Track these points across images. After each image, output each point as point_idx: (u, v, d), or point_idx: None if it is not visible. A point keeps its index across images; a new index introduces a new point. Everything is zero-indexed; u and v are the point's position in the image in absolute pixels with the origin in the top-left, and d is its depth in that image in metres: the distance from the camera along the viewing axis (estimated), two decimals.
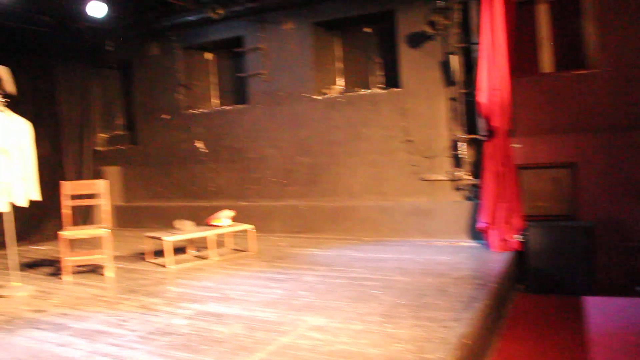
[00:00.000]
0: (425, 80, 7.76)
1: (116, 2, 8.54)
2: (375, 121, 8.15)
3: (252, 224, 7.43)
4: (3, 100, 5.87)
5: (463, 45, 7.42)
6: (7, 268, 6.38)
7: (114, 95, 11.03)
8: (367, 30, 8.72)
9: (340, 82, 8.88)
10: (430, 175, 7.76)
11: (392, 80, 8.23)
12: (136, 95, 10.55)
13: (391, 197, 8.08)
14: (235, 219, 7.51)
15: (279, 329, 4.11)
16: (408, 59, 7.88)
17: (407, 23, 7.81)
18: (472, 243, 7.12)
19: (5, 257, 7.62)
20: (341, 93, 8.62)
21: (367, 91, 8.38)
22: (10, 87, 5.86)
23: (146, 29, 9.84)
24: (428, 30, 7.42)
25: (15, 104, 6.06)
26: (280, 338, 3.92)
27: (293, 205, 8.77)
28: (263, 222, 8.47)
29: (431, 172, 7.76)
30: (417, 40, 7.74)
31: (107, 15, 8.51)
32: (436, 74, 7.66)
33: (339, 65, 8.92)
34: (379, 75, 8.65)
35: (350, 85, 8.74)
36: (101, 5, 8.27)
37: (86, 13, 8.35)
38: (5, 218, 5.97)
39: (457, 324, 3.96)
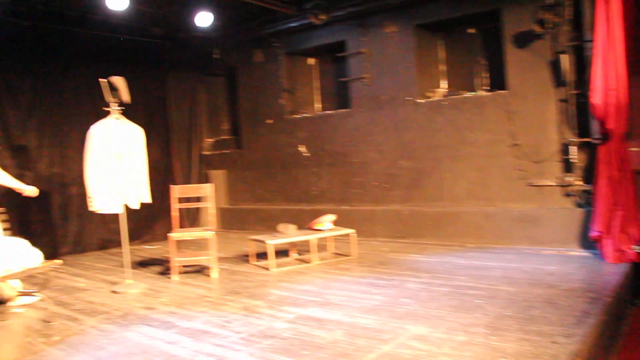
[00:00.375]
0: (533, 81, 7.44)
1: (222, 12, 8.87)
2: (480, 124, 7.93)
3: (353, 228, 7.44)
4: (118, 108, 6.24)
5: (574, 43, 7.04)
6: (121, 266, 6.78)
7: (220, 101, 11.45)
8: (471, 31, 8.50)
9: (443, 85, 8.71)
10: (539, 181, 7.44)
11: (497, 82, 7.96)
12: (241, 100, 10.88)
13: (496, 202, 7.82)
14: (336, 223, 7.55)
15: (380, 337, 4.09)
16: (515, 59, 7.58)
17: (514, 22, 7.52)
18: (584, 253, 6.74)
19: (119, 255, 8.13)
20: (445, 96, 8.45)
21: (471, 94, 8.17)
22: (125, 96, 6.23)
23: (250, 36, 10.13)
24: (536, 28, 7.12)
25: (129, 111, 6.43)
26: (382, 346, 3.89)
27: (395, 209, 8.71)
28: (365, 226, 8.47)
29: (539, 177, 7.43)
30: (524, 39, 7.44)
31: (213, 25, 8.87)
32: (545, 75, 7.31)
33: (443, 67, 8.74)
34: (483, 77, 8.40)
35: (454, 88, 8.55)
36: (208, 16, 8.63)
37: (194, 24, 8.75)
38: (119, 219, 6.35)
39: (568, 340, 3.76)
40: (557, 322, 4.17)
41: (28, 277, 5.58)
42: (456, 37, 8.66)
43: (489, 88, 8.18)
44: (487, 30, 8.23)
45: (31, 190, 5.84)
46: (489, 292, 5.19)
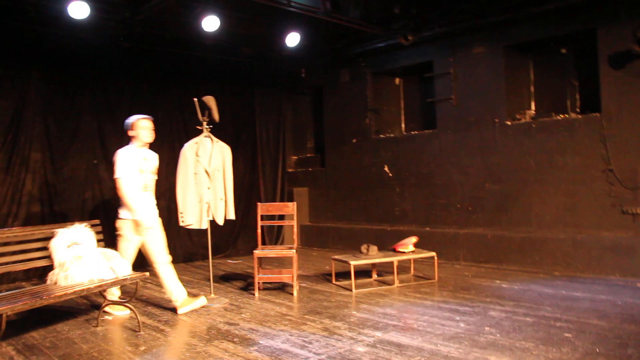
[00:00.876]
0: (630, 103, 7.10)
1: (309, 32, 9.00)
2: (570, 148, 7.64)
3: (436, 251, 7.32)
4: (208, 127, 6.45)
5: None
6: (205, 279, 6.95)
7: (306, 119, 11.63)
8: (563, 51, 8.23)
9: (533, 107, 8.46)
10: (634, 208, 7.06)
11: (590, 104, 7.67)
12: (326, 119, 11.00)
13: (587, 229, 7.49)
14: (419, 245, 7.46)
15: None
16: (610, 80, 7.28)
17: (610, 41, 7.23)
18: None
19: (203, 268, 8.36)
20: (534, 118, 8.21)
21: (562, 116, 7.89)
22: (215, 115, 6.43)
23: (337, 56, 10.24)
24: (635, 48, 6.82)
25: (218, 129, 6.63)
26: None
27: (479, 233, 8.50)
28: (447, 249, 8.33)
29: (634, 204, 7.06)
30: (621, 59, 7.13)
31: (301, 44, 9.03)
32: None
33: (532, 89, 8.49)
34: (575, 99, 8.10)
35: (543, 110, 8.29)
36: (295, 36, 8.81)
37: (282, 43, 8.94)
38: (205, 234, 6.53)
39: None
40: None
41: (118, 288, 5.83)
42: (547, 57, 8.42)
43: (580, 110, 7.87)
44: (580, 50, 7.96)
45: (145, 227, 5.76)
46: (577, 325, 4.96)
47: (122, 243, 5.72)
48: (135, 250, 5.83)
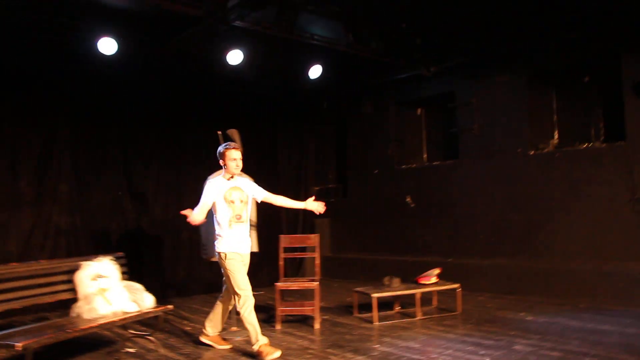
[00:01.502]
0: None
1: (332, 64, 9.11)
2: (595, 177, 7.57)
3: (459, 282, 7.24)
4: None
5: None
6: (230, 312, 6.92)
7: (328, 150, 11.66)
8: (586, 79, 8.19)
9: (556, 136, 8.41)
10: None
11: (615, 132, 7.60)
12: (349, 149, 11.04)
13: (613, 260, 7.36)
14: (442, 276, 7.38)
15: None
16: (635, 108, 7.22)
17: (635, 68, 7.21)
18: None
19: None
20: (557, 147, 8.15)
21: (586, 145, 7.83)
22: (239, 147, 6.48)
23: (359, 87, 10.33)
24: None
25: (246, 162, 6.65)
26: None
27: (503, 264, 8.40)
28: (471, 280, 8.21)
29: None
30: None
31: (323, 76, 9.13)
32: None
33: (555, 117, 8.43)
34: (599, 127, 8.04)
35: (567, 139, 8.24)
36: (317, 68, 8.93)
37: (305, 75, 9.06)
38: None
39: None
40: None
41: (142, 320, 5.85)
42: (570, 85, 8.39)
43: (605, 139, 7.81)
44: (604, 78, 7.92)
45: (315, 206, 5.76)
46: None
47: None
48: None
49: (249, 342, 5.93)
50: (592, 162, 7.63)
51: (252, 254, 6.65)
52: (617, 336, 5.69)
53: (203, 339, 5.72)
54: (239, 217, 5.43)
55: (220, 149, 5.53)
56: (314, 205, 5.78)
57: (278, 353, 5.17)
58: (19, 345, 3.86)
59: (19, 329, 4.51)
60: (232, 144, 5.58)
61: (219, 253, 5.44)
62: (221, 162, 5.51)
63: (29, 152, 7.82)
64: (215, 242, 5.48)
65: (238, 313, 5.52)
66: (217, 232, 5.48)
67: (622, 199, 7.31)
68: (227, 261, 5.37)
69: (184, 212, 5.38)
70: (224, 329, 6.03)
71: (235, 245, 5.41)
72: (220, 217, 5.43)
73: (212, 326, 5.73)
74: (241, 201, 5.47)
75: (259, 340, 5.27)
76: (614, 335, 5.75)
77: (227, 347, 5.70)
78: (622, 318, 6.49)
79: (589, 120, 8.12)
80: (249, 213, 5.62)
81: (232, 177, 5.52)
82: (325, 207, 5.86)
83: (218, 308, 5.77)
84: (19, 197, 7.68)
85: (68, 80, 8.03)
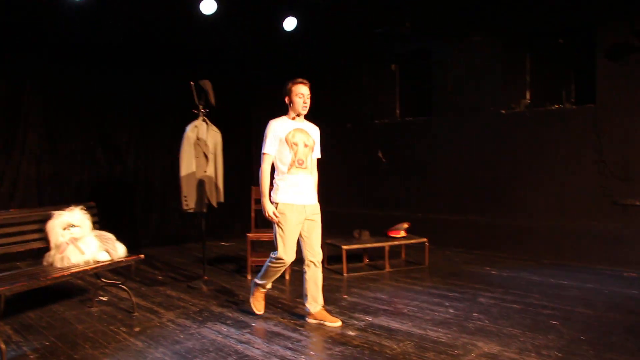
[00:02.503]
0: (626, 95, 7.16)
1: (307, 17, 9.00)
2: (564, 138, 7.71)
3: (427, 237, 7.42)
4: (205, 110, 6.46)
5: None
6: (198, 261, 7.02)
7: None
8: (560, 41, 8.24)
9: (528, 96, 8.50)
10: (625, 199, 7.16)
11: (585, 95, 7.71)
12: (321, 104, 10.96)
13: (577, 219, 7.58)
14: (410, 231, 7.55)
15: (450, 352, 4.07)
16: (607, 72, 7.32)
17: (609, 34, 7.26)
18: None
19: (196, 250, 8.45)
20: (529, 108, 8.26)
21: (557, 106, 7.95)
22: (212, 98, 6.44)
23: (335, 41, 10.22)
24: (635, 41, 6.87)
25: (214, 113, 6.62)
26: None
27: (470, 220, 8.60)
28: (439, 235, 8.41)
29: (625, 195, 7.16)
30: (619, 52, 7.17)
31: (299, 29, 9.04)
32: (639, 90, 7.04)
33: (528, 78, 8.50)
34: (571, 89, 8.14)
35: (539, 100, 8.32)
36: (292, 20, 8.83)
37: (280, 27, 8.95)
38: (199, 216, 6.60)
39: None
40: (638, 352, 4.03)
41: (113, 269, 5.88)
42: (544, 47, 8.43)
43: (575, 101, 7.93)
44: (578, 41, 7.97)
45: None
46: (564, 313, 5.07)
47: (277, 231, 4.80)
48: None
49: (219, 291, 6.07)
50: (562, 123, 7.75)
51: (222, 204, 6.71)
52: (576, 290, 5.94)
53: (310, 320, 4.91)
54: (301, 163, 4.77)
55: (287, 84, 4.90)
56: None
57: (260, 312, 5.07)
58: None
59: None
60: (300, 78, 4.92)
61: (273, 201, 4.80)
62: (286, 99, 4.89)
63: None
64: (272, 191, 4.84)
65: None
66: (276, 176, 4.85)
67: (588, 160, 7.47)
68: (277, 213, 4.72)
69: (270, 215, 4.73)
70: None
71: (290, 196, 4.73)
72: (278, 161, 4.81)
73: (311, 302, 4.92)
74: (305, 145, 4.81)
75: (261, 287, 5.05)
76: (572, 289, 6.00)
77: (338, 323, 4.83)
78: (582, 274, 6.76)
79: (561, 82, 8.19)
80: (314, 162, 4.96)
81: (298, 116, 4.90)
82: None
83: (306, 279, 4.94)
84: None
85: (36, 27, 7.77)
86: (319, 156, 5.06)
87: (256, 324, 4.90)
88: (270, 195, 4.82)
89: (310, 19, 9.19)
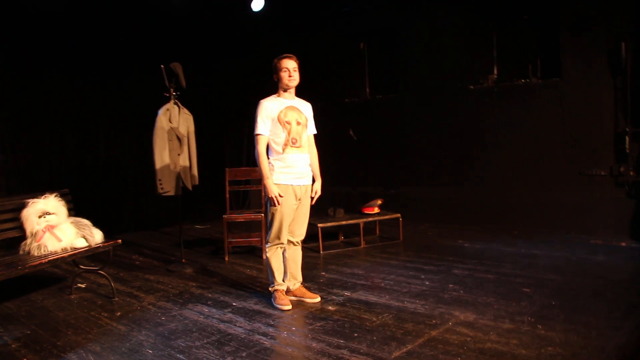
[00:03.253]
0: (589, 69, 7.33)
1: None
2: (531, 112, 7.87)
3: (400, 212, 7.54)
4: (176, 93, 6.43)
5: (634, 30, 6.92)
6: (174, 244, 7.03)
7: (270, 83, 11.56)
8: (525, 17, 8.37)
9: (496, 72, 8.64)
10: (590, 170, 7.37)
11: (551, 69, 7.87)
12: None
13: (544, 190, 7.79)
14: (384, 207, 7.66)
15: (428, 322, 4.21)
16: (570, 46, 7.48)
17: (571, 8, 7.41)
18: (634, 244, 6.69)
19: (171, 234, 8.45)
20: (496, 82, 8.39)
21: (523, 81, 8.10)
22: (182, 81, 6.42)
23: (302, 19, 10.21)
24: (595, 15, 7.03)
25: (184, 96, 6.61)
26: (430, 331, 4.01)
27: (442, 195, 8.76)
28: (411, 210, 8.55)
29: (591, 166, 7.37)
30: (581, 26, 7.33)
31: (265, 8, 9.01)
32: (602, 63, 7.20)
33: (495, 54, 8.62)
34: (537, 64, 8.29)
35: (506, 75, 8.47)
36: (259, 1, 8.80)
37: (247, 7, 8.92)
38: (175, 200, 6.61)
39: (615, 333, 3.81)
40: (605, 314, 4.22)
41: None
42: (509, 22, 8.54)
43: (541, 75, 8.09)
44: (542, 16, 8.09)
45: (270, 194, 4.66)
46: (535, 280, 5.25)
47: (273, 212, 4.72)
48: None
49: (198, 273, 6.12)
50: (528, 98, 7.91)
51: (196, 187, 6.72)
52: (546, 259, 6.14)
53: (290, 297, 4.91)
54: (294, 141, 4.68)
55: (274, 61, 4.75)
56: (316, 188, 4.96)
57: (289, 307, 4.74)
58: None
59: None
60: (286, 53, 4.76)
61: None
62: (274, 77, 4.77)
63: None
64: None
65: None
66: (270, 156, 4.74)
67: (554, 132, 7.66)
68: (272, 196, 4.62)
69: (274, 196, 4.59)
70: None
71: (286, 177, 4.67)
72: (272, 142, 4.69)
73: (290, 279, 4.98)
74: (298, 123, 4.71)
75: (276, 284, 4.88)
76: (543, 258, 6.20)
77: (318, 299, 4.92)
78: (551, 243, 6.97)
79: (527, 57, 8.33)
80: (307, 140, 4.88)
81: (286, 91, 4.77)
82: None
83: (285, 257, 4.95)
84: None
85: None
86: (315, 132, 5.02)
87: (237, 303, 4.96)
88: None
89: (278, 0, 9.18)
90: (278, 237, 4.79)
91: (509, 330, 3.96)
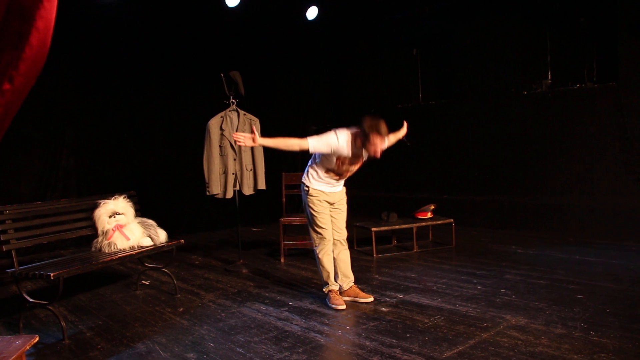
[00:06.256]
0: None
1: (328, 5, 9.17)
2: (587, 117, 7.81)
3: (453, 217, 7.60)
4: (235, 100, 6.68)
5: None
6: (232, 246, 7.25)
7: (324, 89, 11.77)
8: (582, 19, 8.29)
9: (550, 76, 8.60)
10: None
11: (608, 73, 7.79)
12: (344, 89, 11.17)
13: (601, 197, 7.71)
14: (436, 212, 7.73)
15: (479, 325, 4.28)
16: (629, 50, 7.38)
17: (631, 10, 7.32)
18: None
19: (229, 235, 8.70)
20: (550, 87, 8.35)
21: (578, 85, 8.04)
22: (241, 89, 6.67)
23: (355, 27, 10.37)
24: None
25: (243, 103, 6.84)
26: (481, 333, 4.09)
27: (496, 200, 8.76)
28: (464, 215, 8.59)
29: None
30: None
31: (319, 16, 9.22)
32: None
33: (549, 58, 8.58)
34: (592, 68, 8.21)
35: (560, 79, 8.41)
36: (314, 9, 9.03)
37: (302, 15, 9.15)
38: (229, 203, 6.85)
39: None
40: None
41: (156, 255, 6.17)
42: (565, 26, 8.49)
43: (597, 79, 8.00)
44: (599, 18, 8.01)
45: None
46: (589, 287, 5.23)
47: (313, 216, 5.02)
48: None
49: (255, 274, 6.34)
50: (584, 102, 7.84)
51: (257, 191, 6.94)
52: (602, 267, 6.07)
53: (343, 297, 5.08)
54: (337, 178, 4.99)
55: (367, 123, 4.61)
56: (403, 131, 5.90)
57: (343, 307, 4.89)
58: (52, 275, 4.20)
59: (51, 262, 4.84)
60: (380, 127, 4.62)
61: (304, 184, 5.06)
62: (361, 135, 4.66)
63: (34, 98, 7.90)
64: (305, 173, 5.09)
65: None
66: (312, 163, 5.03)
67: (612, 138, 7.57)
68: (309, 197, 4.96)
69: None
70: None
71: (322, 186, 4.98)
72: (322, 161, 4.89)
73: (342, 278, 5.16)
74: (348, 170, 4.96)
75: (330, 284, 5.06)
76: (598, 265, 6.13)
77: (371, 299, 5.10)
78: (607, 250, 6.87)
79: (582, 61, 8.25)
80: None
81: (359, 148, 4.76)
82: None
83: (334, 258, 5.14)
84: (28, 141, 7.85)
85: (68, 26, 8.06)
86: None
87: (293, 302, 5.15)
88: (307, 174, 5.03)
89: (332, 8, 9.36)
90: (322, 233, 4.99)
91: (561, 335, 4.00)
